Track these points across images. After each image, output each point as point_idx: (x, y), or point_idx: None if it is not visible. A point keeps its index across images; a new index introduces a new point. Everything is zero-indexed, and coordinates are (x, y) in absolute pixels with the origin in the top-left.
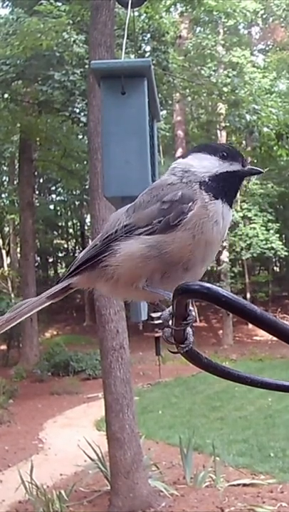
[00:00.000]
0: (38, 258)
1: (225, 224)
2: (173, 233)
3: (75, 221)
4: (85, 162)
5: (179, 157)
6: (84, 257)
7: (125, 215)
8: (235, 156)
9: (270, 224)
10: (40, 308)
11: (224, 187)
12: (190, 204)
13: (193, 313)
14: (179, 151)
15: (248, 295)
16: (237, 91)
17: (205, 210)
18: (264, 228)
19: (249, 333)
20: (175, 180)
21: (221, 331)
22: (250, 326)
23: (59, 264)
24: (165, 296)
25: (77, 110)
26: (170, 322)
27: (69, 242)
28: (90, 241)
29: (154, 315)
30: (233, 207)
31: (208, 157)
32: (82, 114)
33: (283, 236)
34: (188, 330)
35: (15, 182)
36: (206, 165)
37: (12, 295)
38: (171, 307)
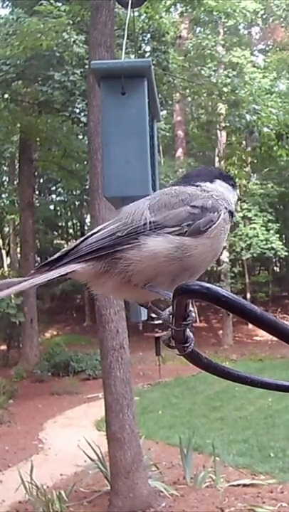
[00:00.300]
0: (38, 258)
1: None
2: (199, 239)
3: (75, 221)
4: (85, 162)
5: (203, 180)
6: (95, 244)
7: (149, 212)
8: (236, 185)
9: (270, 224)
10: (27, 288)
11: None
12: (215, 214)
13: (194, 313)
14: (179, 151)
15: (248, 295)
16: (237, 91)
17: (225, 223)
18: (264, 228)
19: (249, 334)
20: (201, 193)
21: (221, 331)
22: (250, 326)
23: None
24: (165, 296)
25: (78, 110)
26: (171, 320)
27: (69, 243)
28: None
29: (154, 315)
30: None
31: (229, 189)
32: (82, 114)
33: (283, 236)
34: (188, 331)
35: (15, 182)
36: (230, 196)
37: (12, 295)
38: (170, 307)
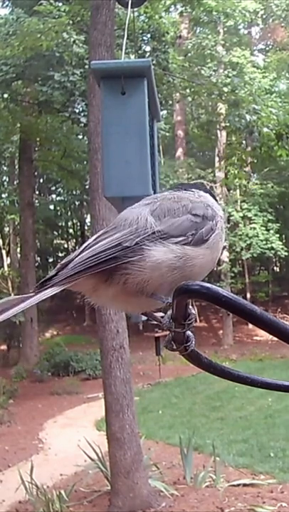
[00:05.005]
0: (38, 258)
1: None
2: (200, 248)
3: (75, 221)
4: (85, 162)
5: (205, 190)
6: (97, 256)
7: (153, 219)
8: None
9: (270, 224)
10: (32, 304)
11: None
12: (214, 222)
13: (194, 312)
14: (179, 151)
15: (248, 295)
16: (237, 91)
17: (222, 232)
18: (264, 228)
19: (249, 333)
20: (199, 200)
21: (221, 331)
22: (251, 326)
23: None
24: (164, 300)
25: (77, 110)
26: (172, 325)
27: (69, 242)
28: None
29: (155, 315)
30: None
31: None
32: (82, 114)
33: (283, 236)
34: (189, 331)
35: (15, 182)
36: (219, 208)
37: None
38: (170, 311)
